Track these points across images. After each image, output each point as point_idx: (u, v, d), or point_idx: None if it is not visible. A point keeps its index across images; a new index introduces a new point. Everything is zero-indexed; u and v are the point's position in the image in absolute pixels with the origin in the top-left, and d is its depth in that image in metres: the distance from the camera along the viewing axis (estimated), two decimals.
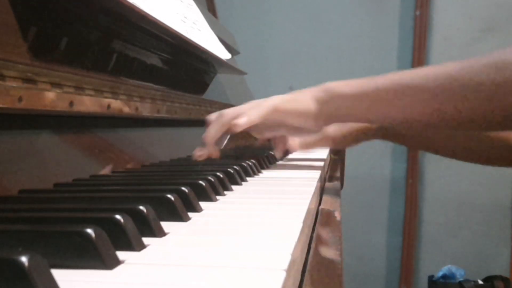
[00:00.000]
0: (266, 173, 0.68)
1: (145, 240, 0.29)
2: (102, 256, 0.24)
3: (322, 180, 0.69)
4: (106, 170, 0.57)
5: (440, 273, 1.96)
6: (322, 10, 2.19)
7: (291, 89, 2.18)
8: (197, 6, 0.97)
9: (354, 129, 0.88)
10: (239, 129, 0.69)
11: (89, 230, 0.24)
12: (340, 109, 0.66)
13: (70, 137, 0.53)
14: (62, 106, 0.49)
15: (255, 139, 0.87)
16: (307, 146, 0.89)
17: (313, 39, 2.20)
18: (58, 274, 0.20)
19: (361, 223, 2.18)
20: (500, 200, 2.11)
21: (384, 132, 0.87)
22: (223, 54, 0.98)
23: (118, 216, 0.28)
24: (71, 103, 0.50)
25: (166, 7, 0.75)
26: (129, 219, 0.28)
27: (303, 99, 0.69)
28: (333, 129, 0.93)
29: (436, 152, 0.92)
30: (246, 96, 1.47)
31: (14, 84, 0.42)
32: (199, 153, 0.71)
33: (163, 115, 0.75)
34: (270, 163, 0.79)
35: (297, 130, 0.74)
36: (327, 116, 0.68)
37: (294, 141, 0.88)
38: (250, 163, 0.64)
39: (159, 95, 0.73)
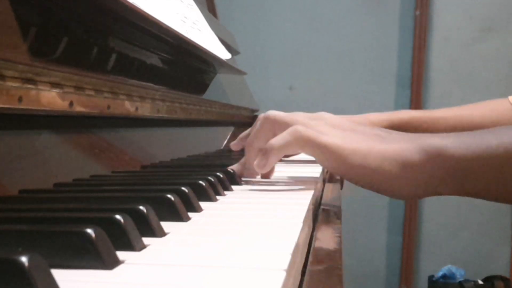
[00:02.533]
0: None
1: (145, 240, 0.29)
2: (102, 256, 0.24)
3: (323, 180, 0.69)
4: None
5: (440, 273, 1.96)
6: (322, 10, 2.19)
7: (291, 89, 2.18)
8: (197, 6, 0.97)
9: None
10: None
11: (89, 230, 0.24)
12: (445, 178, 0.46)
13: (70, 137, 0.53)
14: (62, 106, 0.49)
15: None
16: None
17: (313, 39, 2.20)
18: (58, 274, 0.20)
19: (361, 223, 2.18)
20: None
21: None
22: (223, 54, 0.98)
23: (118, 216, 0.28)
24: (71, 103, 0.50)
25: (166, 7, 0.75)
26: (129, 219, 0.28)
27: (385, 156, 0.47)
28: None
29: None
30: (246, 96, 1.48)
31: (14, 84, 0.42)
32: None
33: (163, 115, 0.75)
34: None
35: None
36: (420, 185, 0.47)
37: None
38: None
39: (159, 95, 0.73)
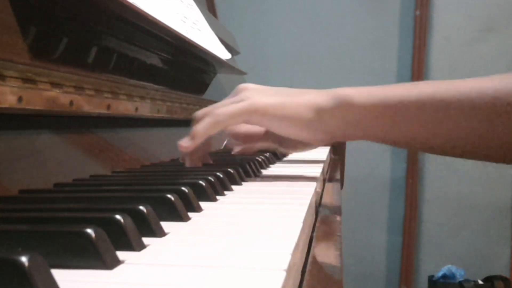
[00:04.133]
0: (266, 173, 0.68)
1: (145, 240, 0.29)
2: (102, 256, 0.24)
3: (322, 180, 0.69)
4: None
5: (440, 273, 1.96)
6: (322, 10, 2.19)
7: None
8: (197, 6, 0.97)
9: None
10: (191, 144, 0.57)
11: (89, 230, 0.24)
12: (351, 123, 0.54)
13: (70, 137, 0.53)
14: (62, 106, 0.49)
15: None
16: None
17: (313, 39, 2.20)
18: (58, 274, 0.20)
19: (361, 223, 2.18)
20: (500, 200, 2.11)
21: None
22: (223, 54, 0.98)
23: (118, 216, 0.28)
24: (71, 103, 0.50)
25: (166, 7, 0.75)
26: (129, 219, 0.28)
27: (300, 104, 0.55)
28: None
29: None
30: None
31: (14, 84, 0.42)
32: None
33: (163, 115, 0.75)
34: (270, 163, 0.79)
35: (286, 143, 0.61)
36: (331, 130, 0.55)
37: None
38: (250, 163, 0.64)
39: (159, 95, 0.73)
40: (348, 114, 0.54)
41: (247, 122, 0.57)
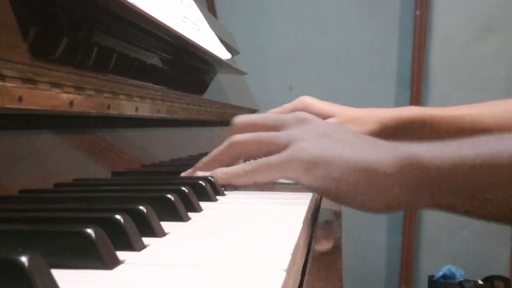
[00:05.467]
0: None
1: (145, 240, 0.29)
2: (102, 256, 0.24)
3: None
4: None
5: (440, 273, 1.96)
6: (322, 10, 2.19)
7: (291, 89, 2.18)
8: (197, 6, 0.97)
9: None
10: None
11: (89, 230, 0.24)
12: (424, 188, 0.43)
13: (70, 137, 0.53)
14: (62, 106, 0.49)
15: None
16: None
17: (313, 39, 2.20)
18: (58, 274, 0.20)
19: (361, 223, 2.17)
20: None
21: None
22: (223, 54, 0.97)
23: (118, 216, 0.28)
24: (71, 103, 0.50)
25: (166, 7, 0.75)
26: (129, 219, 0.28)
27: (350, 164, 0.44)
28: None
29: None
30: (246, 96, 1.48)
31: (14, 84, 0.42)
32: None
33: (163, 115, 0.75)
34: None
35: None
36: (398, 197, 0.44)
37: None
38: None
39: (159, 95, 0.73)
40: (416, 177, 0.43)
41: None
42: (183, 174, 0.53)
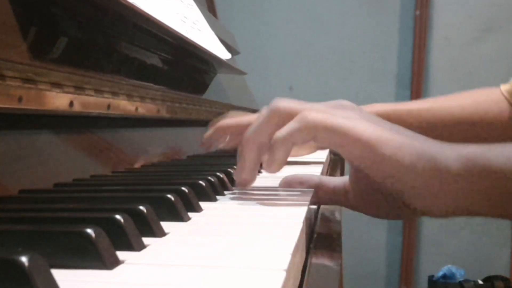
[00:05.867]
0: (266, 173, 0.68)
1: (145, 240, 0.29)
2: (102, 256, 0.24)
3: None
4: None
5: (440, 273, 1.96)
6: (322, 10, 2.19)
7: (291, 89, 2.18)
8: (197, 6, 0.97)
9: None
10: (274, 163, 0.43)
11: (89, 230, 0.24)
12: (490, 194, 0.38)
13: (70, 137, 0.53)
14: (62, 106, 0.49)
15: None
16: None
17: (313, 39, 2.20)
18: (58, 274, 0.20)
19: (361, 223, 2.17)
20: None
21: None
22: (223, 54, 0.97)
23: (118, 216, 0.28)
24: (71, 103, 0.50)
25: (166, 7, 0.75)
26: (129, 219, 0.28)
27: (421, 154, 0.39)
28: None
29: None
30: (246, 96, 1.48)
31: (14, 84, 0.42)
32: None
33: (163, 115, 0.75)
34: None
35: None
36: (460, 200, 0.39)
37: None
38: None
39: (159, 95, 0.73)
40: (484, 182, 0.38)
41: (315, 139, 0.42)
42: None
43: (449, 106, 0.80)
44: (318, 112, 0.41)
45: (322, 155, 0.95)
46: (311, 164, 0.82)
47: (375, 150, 0.39)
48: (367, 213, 0.47)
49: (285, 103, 0.44)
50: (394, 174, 0.39)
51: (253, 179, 0.47)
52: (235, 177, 0.47)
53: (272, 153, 0.43)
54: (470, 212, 0.40)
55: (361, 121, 0.41)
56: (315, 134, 0.41)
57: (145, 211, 0.31)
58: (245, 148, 0.45)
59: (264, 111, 0.45)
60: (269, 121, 0.44)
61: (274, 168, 0.43)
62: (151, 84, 0.74)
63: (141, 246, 0.28)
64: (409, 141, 0.40)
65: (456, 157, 0.39)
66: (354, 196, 0.47)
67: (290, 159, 0.90)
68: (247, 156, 0.45)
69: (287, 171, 0.71)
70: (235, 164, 0.59)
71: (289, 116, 0.43)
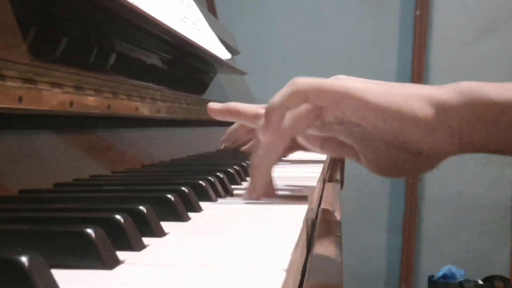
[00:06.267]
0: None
1: (145, 240, 0.29)
2: (102, 256, 0.24)
3: (323, 180, 0.69)
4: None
5: (440, 273, 1.96)
6: (322, 10, 2.19)
7: None
8: (197, 6, 0.97)
9: None
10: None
11: (89, 230, 0.24)
12: (484, 126, 0.40)
13: (70, 137, 0.53)
14: (62, 106, 0.49)
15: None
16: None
17: (313, 39, 2.20)
18: (58, 274, 0.20)
19: (361, 223, 2.17)
20: (500, 200, 2.11)
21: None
22: (223, 54, 0.98)
23: (118, 216, 0.28)
24: (71, 103, 0.50)
25: (166, 7, 0.75)
26: (129, 219, 0.28)
27: (410, 94, 0.41)
28: None
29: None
30: (246, 96, 1.48)
31: (14, 84, 0.42)
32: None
33: (163, 115, 0.75)
34: None
35: (377, 149, 0.43)
36: (458, 132, 0.41)
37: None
38: (250, 163, 0.64)
39: (159, 95, 0.73)
40: (481, 113, 0.40)
41: (328, 108, 0.42)
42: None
43: None
44: (307, 77, 0.42)
45: (322, 154, 0.95)
46: (311, 163, 0.82)
47: (364, 99, 0.40)
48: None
49: (305, 80, 0.43)
50: (385, 120, 0.41)
51: (264, 194, 0.45)
52: (248, 194, 0.46)
53: (267, 119, 0.42)
54: (475, 147, 0.41)
55: (349, 79, 0.43)
56: (306, 96, 0.41)
57: (145, 211, 0.31)
58: (255, 171, 0.45)
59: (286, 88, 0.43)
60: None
61: (267, 137, 0.43)
62: (151, 84, 0.74)
63: (141, 246, 0.28)
64: (398, 88, 0.42)
65: (452, 92, 0.41)
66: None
67: (290, 157, 0.90)
68: (258, 179, 0.45)
69: (287, 171, 0.71)
70: (235, 164, 0.59)
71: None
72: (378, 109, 0.40)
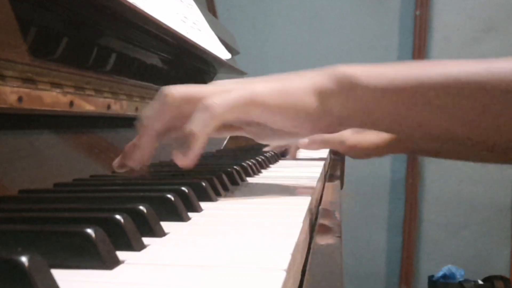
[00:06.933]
0: (266, 173, 0.68)
1: (145, 240, 0.29)
2: (102, 256, 0.24)
3: (323, 180, 0.69)
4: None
5: (440, 273, 1.96)
6: (322, 10, 2.19)
7: None
8: (197, 6, 0.97)
9: (383, 140, 0.77)
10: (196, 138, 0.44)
11: (89, 230, 0.24)
12: (359, 110, 0.45)
13: (70, 137, 0.53)
14: (62, 106, 0.49)
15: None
16: (315, 146, 0.81)
17: (313, 39, 2.20)
18: (58, 274, 0.20)
19: (361, 223, 2.17)
20: (500, 200, 2.11)
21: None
22: (223, 54, 0.98)
23: (118, 216, 0.28)
24: (71, 103, 0.50)
25: (166, 7, 0.75)
26: (129, 219, 0.28)
27: (299, 90, 0.45)
28: (353, 135, 0.81)
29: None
30: None
31: (14, 84, 0.42)
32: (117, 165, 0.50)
33: None
34: (270, 162, 0.79)
35: (280, 135, 0.49)
36: (335, 117, 0.46)
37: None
38: (250, 163, 0.64)
39: None
40: (357, 98, 0.45)
41: (239, 118, 0.46)
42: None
43: None
44: (215, 96, 0.45)
45: (323, 153, 0.95)
46: (312, 161, 0.82)
47: (266, 104, 0.45)
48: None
49: (179, 89, 0.49)
50: (284, 118, 0.46)
51: (146, 162, 0.49)
52: (124, 159, 0.50)
53: (191, 147, 0.44)
54: (349, 125, 0.48)
55: (252, 83, 0.46)
56: (223, 118, 0.44)
57: (145, 211, 0.31)
58: (142, 136, 0.48)
59: (159, 98, 0.48)
60: (166, 109, 0.47)
61: (191, 160, 0.45)
62: (151, 84, 0.74)
63: (141, 246, 0.28)
64: (288, 83, 0.46)
65: (331, 79, 0.46)
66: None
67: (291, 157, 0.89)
68: (145, 145, 0.48)
69: (287, 171, 0.71)
70: (236, 165, 0.59)
71: (187, 102, 0.47)
72: (277, 110, 0.45)
